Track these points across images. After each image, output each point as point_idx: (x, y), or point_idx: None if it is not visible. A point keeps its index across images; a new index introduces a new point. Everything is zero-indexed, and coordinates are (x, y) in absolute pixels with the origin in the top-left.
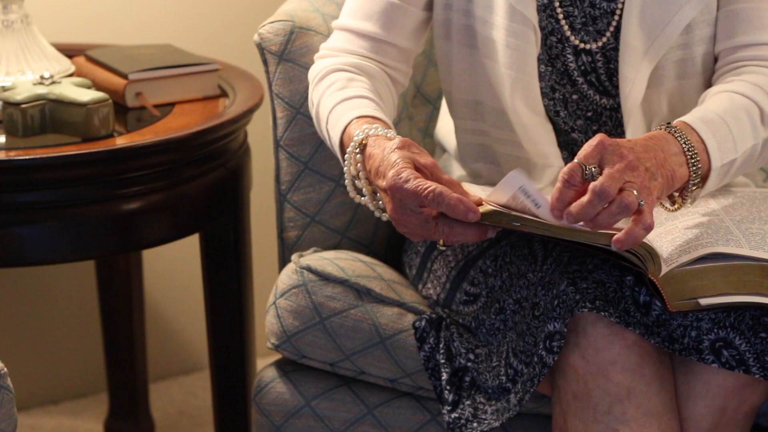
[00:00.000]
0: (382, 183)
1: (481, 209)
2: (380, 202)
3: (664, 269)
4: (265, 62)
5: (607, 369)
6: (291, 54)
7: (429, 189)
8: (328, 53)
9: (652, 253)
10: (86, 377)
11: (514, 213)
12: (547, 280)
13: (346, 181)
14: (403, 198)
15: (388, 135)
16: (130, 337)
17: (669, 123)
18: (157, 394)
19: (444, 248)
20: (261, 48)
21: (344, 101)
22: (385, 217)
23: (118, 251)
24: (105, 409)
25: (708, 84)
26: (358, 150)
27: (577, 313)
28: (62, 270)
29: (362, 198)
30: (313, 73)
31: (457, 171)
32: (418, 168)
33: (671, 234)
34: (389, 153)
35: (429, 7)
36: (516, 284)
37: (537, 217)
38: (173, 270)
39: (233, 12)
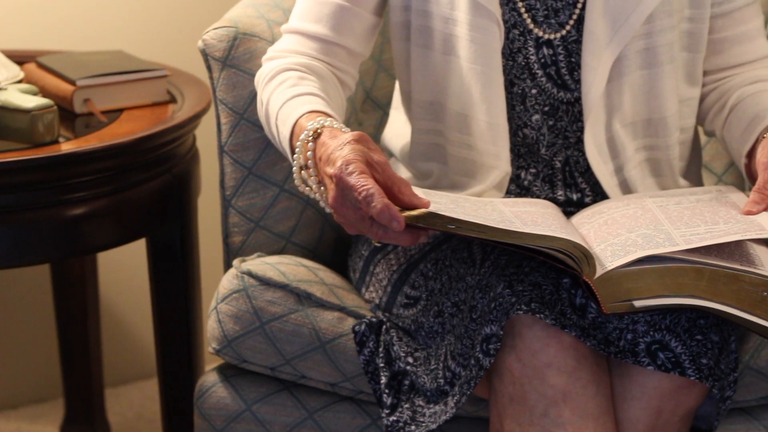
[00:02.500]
0: (330, 170)
1: (416, 212)
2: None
3: (599, 271)
4: (209, 68)
5: (543, 371)
6: (234, 60)
7: (364, 187)
8: (277, 55)
9: (587, 255)
10: (45, 382)
11: (448, 216)
12: (484, 283)
13: (294, 170)
14: (345, 189)
15: (343, 129)
16: (85, 343)
17: None
18: (116, 398)
19: (378, 244)
20: (205, 54)
21: (296, 97)
22: (329, 209)
23: (64, 256)
24: (63, 414)
25: (671, 75)
26: (311, 137)
27: (513, 315)
28: (17, 275)
29: (307, 188)
30: (261, 75)
31: (403, 173)
32: (370, 164)
33: (611, 236)
34: (343, 144)
35: (378, 12)
36: (455, 287)
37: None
38: (132, 275)
39: (186, 18)
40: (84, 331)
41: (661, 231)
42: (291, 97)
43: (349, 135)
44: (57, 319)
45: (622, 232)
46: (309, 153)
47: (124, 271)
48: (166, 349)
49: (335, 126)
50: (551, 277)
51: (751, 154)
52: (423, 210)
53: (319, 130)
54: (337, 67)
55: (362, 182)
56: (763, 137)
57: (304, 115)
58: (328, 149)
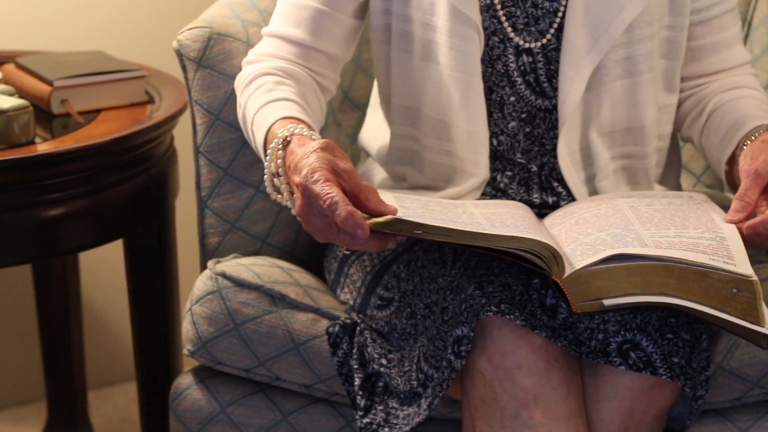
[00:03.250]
0: (296, 179)
1: (382, 219)
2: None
3: (569, 270)
4: (183, 68)
5: (514, 373)
6: (209, 60)
7: (328, 195)
8: (257, 58)
9: (555, 255)
10: (27, 384)
11: (415, 221)
12: (455, 285)
13: (265, 177)
14: (310, 198)
15: (313, 136)
16: (67, 345)
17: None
18: (100, 400)
19: (348, 251)
20: (179, 54)
21: (270, 103)
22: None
23: (40, 258)
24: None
25: (650, 84)
26: (281, 146)
27: (483, 317)
28: None
29: (279, 196)
30: (240, 78)
31: (380, 174)
32: (337, 172)
33: (582, 236)
34: (310, 152)
35: (358, 15)
36: (426, 289)
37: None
38: (116, 276)
39: (167, 19)
40: (66, 333)
41: (631, 231)
42: (266, 103)
43: (316, 143)
44: (39, 321)
45: (592, 231)
46: (279, 161)
47: (108, 272)
48: (144, 351)
49: (305, 133)
50: (521, 278)
51: (730, 161)
52: (389, 216)
53: (288, 138)
54: (316, 71)
55: (327, 190)
56: (744, 145)
57: (277, 121)
58: (296, 158)
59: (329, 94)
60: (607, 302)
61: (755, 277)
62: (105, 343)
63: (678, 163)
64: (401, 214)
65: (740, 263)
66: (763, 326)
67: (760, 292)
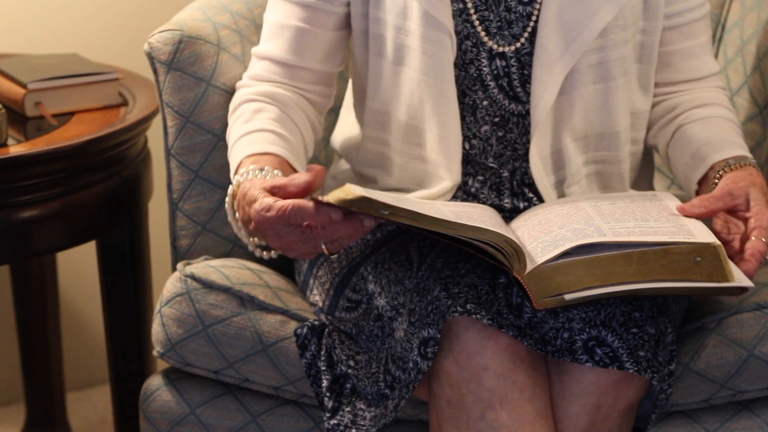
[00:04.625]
0: (252, 225)
1: (349, 196)
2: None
3: (530, 267)
4: (155, 71)
5: (480, 374)
6: (180, 63)
7: (287, 208)
8: (246, 83)
9: (517, 251)
10: (6, 386)
11: (382, 201)
12: (421, 286)
13: (234, 229)
14: (274, 225)
15: (258, 173)
16: (45, 346)
17: (742, 158)
18: (80, 402)
19: (333, 256)
20: (150, 57)
21: (244, 136)
22: (266, 255)
23: (13, 259)
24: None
25: (624, 89)
26: (232, 200)
27: (449, 318)
28: None
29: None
30: (231, 104)
31: (351, 174)
32: (272, 192)
33: (543, 234)
34: (249, 190)
35: (340, 26)
36: (393, 291)
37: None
38: (96, 278)
39: (141, 21)
40: (44, 335)
41: (591, 225)
42: (241, 136)
43: (246, 185)
44: (17, 323)
45: (554, 228)
46: (237, 214)
47: (86, 274)
48: (117, 353)
49: (250, 176)
50: (487, 278)
51: (702, 182)
52: (357, 194)
53: (235, 192)
54: (304, 88)
55: (281, 206)
56: (722, 170)
57: (243, 161)
58: (243, 209)
59: (324, 107)
60: (568, 297)
61: (718, 242)
62: (84, 344)
63: (651, 166)
64: (367, 193)
65: (702, 237)
66: (732, 282)
67: (725, 254)
